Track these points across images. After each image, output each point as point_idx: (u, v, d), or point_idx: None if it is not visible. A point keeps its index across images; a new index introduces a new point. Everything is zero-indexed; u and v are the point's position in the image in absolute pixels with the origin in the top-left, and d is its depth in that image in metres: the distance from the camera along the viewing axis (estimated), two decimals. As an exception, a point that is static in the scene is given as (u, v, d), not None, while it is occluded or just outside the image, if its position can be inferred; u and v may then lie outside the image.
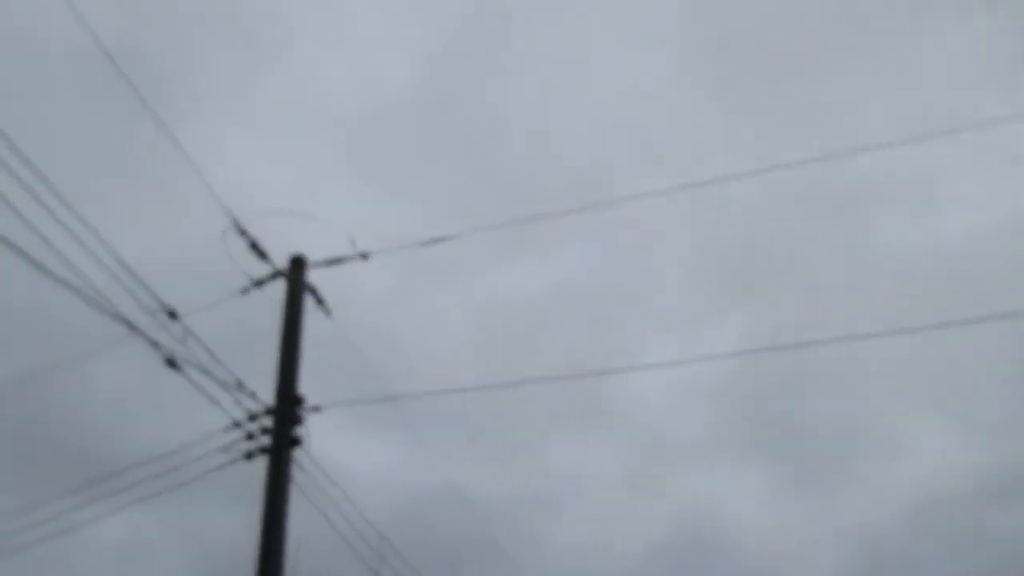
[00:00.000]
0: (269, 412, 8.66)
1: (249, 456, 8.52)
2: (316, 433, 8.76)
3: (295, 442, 8.45)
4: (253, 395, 8.54)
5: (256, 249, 8.98)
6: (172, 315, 7.86)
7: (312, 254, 9.41)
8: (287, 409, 8.49)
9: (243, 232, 8.83)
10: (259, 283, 9.08)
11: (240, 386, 8.48)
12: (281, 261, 9.24)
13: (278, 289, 9.28)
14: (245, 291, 9.05)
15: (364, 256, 9.40)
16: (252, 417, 8.65)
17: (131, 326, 7.36)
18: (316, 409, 8.68)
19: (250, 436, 8.59)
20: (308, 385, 8.96)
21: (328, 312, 9.36)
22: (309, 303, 9.15)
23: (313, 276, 9.35)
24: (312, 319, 9.27)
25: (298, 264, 9.19)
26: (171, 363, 7.98)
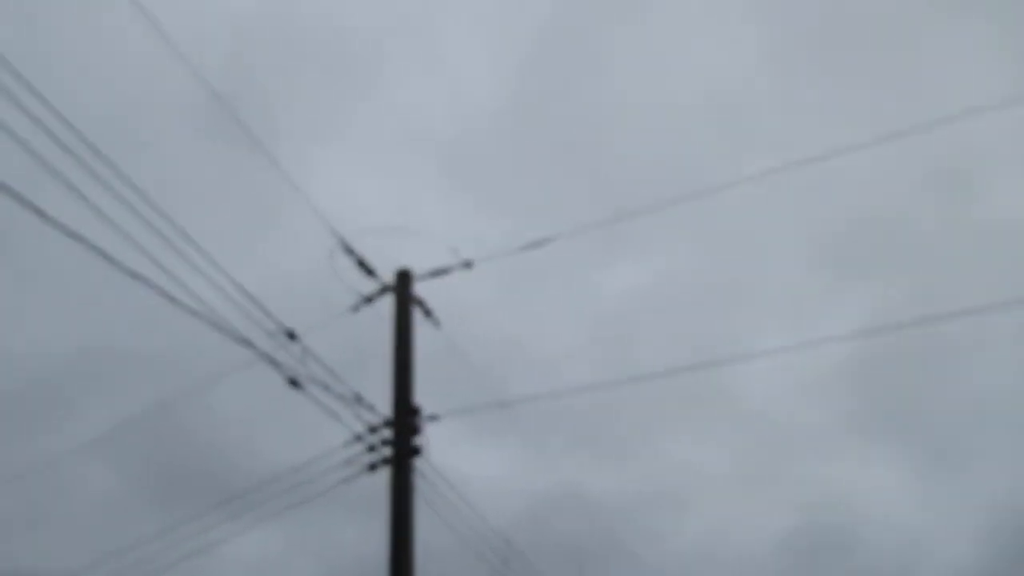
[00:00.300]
0: (388, 424, 8.88)
1: (372, 468, 8.75)
2: (435, 442, 8.95)
3: (415, 451, 8.63)
4: (371, 408, 8.78)
5: (363, 266, 9.24)
6: (291, 336, 8.16)
7: (416, 267, 9.62)
8: (405, 419, 8.69)
9: (350, 251, 9.11)
10: (368, 299, 9.34)
11: (359, 400, 8.73)
12: (387, 276, 9.48)
13: (386, 304, 9.52)
14: (355, 308, 9.31)
15: (467, 265, 9.55)
16: (372, 430, 8.89)
17: (255, 349, 7.69)
18: (433, 418, 8.85)
19: (371, 448, 8.83)
20: (423, 395, 9.16)
21: (437, 323, 9.54)
22: (417, 315, 9.35)
23: (419, 288, 9.55)
24: (421, 330, 9.47)
25: (404, 278, 9.40)
26: (293, 382, 8.28)
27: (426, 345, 9.65)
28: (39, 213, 5.24)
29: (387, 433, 8.85)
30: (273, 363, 8.06)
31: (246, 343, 7.46)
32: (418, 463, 8.79)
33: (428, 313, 9.46)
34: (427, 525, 9.36)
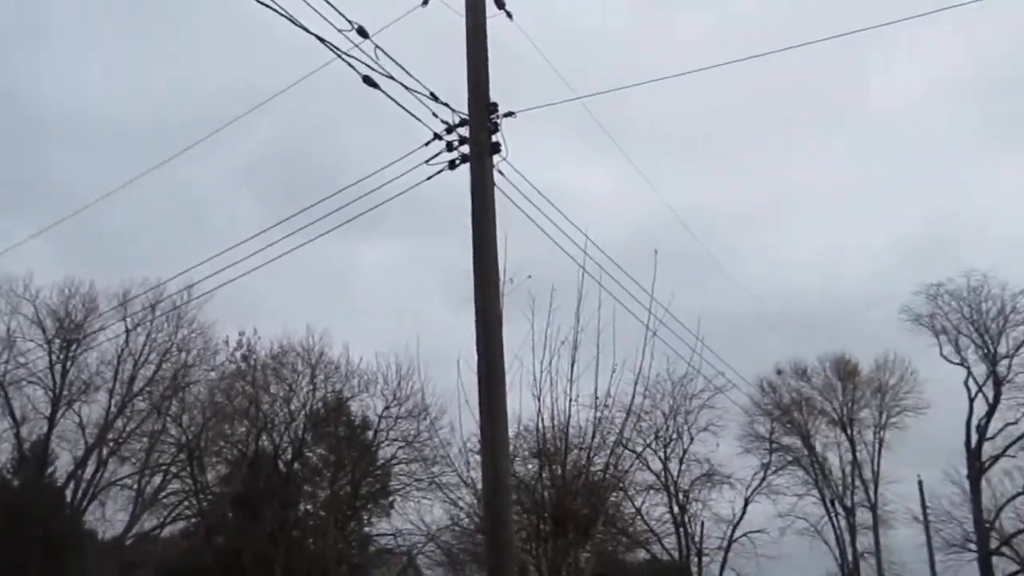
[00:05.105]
0: (464, 123, 8.86)
1: (452, 166, 8.84)
2: (518, 142, 8.87)
3: (495, 148, 8.65)
4: (447, 105, 8.74)
5: (429, -43, 8.77)
6: (363, 34, 7.99)
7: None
8: (481, 115, 8.64)
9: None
10: (437, -9, 8.94)
11: (434, 98, 8.67)
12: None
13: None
14: (425, 2, 8.98)
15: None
16: (449, 129, 8.90)
17: (329, 45, 7.60)
18: (509, 115, 8.76)
19: (450, 147, 8.89)
20: (503, 96, 8.96)
21: (509, 14, 9.15)
22: (490, 7, 8.97)
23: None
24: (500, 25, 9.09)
25: (469, -37, 8.89)
26: (368, 81, 8.23)
27: (508, 45, 9.30)
28: None
29: (465, 132, 8.86)
30: (346, 61, 7.99)
31: (319, 39, 7.37)
32: (499, 163, 8.81)
33: (501, 4, 9.05)
34: (522, 230, 9.68)
